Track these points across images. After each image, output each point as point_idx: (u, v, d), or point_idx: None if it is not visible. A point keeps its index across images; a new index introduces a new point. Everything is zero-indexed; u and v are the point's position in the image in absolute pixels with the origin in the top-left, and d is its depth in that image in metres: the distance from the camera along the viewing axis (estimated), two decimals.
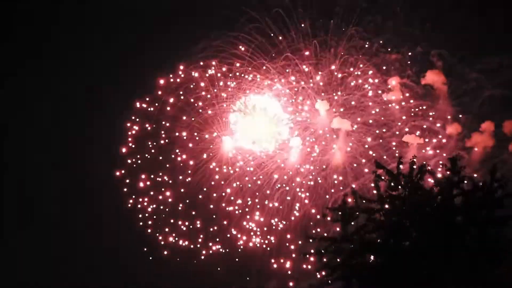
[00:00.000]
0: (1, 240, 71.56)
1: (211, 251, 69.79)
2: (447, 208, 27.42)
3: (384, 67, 68.54)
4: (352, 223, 28.36)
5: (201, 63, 69.83)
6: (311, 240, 28.89)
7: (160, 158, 71.18)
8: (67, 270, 70.74)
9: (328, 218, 29.41)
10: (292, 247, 65.73)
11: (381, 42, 68.89)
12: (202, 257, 69.81)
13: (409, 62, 68.34)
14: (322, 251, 28.11)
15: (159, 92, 70.62)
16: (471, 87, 65.90)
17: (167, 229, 70.35)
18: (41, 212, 74.47)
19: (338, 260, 27.88)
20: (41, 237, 72.04)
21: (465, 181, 27.82)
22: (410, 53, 68.38)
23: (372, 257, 27.82)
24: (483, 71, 65.44)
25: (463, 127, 65.51)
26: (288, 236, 66.62)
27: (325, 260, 28.22)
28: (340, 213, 28.37)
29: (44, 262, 70.62)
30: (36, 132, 75.65)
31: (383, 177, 28.75)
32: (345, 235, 28.01)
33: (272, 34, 68.90)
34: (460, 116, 66.33)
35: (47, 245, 72.09)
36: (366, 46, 68.86)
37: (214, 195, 69.25)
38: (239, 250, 68.72)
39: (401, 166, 29.04)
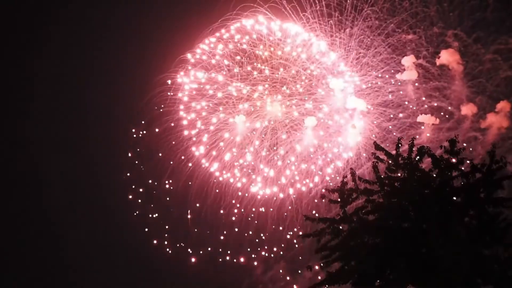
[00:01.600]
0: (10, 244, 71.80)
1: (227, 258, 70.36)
2: (446, 189, 27.50)
3: (400, 48, 68.06)
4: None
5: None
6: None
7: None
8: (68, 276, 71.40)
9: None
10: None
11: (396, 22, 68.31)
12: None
13: (424, 43, 67.82)
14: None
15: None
16: (487, 68, 65.40)
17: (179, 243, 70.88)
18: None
19: (337, 241, 28.07)
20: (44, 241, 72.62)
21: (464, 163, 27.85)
22: (425, 34, 67.86)
23: (370, 238, 27.94)
24: (498, 51, 64.92)
25: (479, 108, 65.08)
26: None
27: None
28: (339, 194, 28.60)
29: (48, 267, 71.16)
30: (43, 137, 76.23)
31: (382, 159, 28.93)
32: (344, 216, 28.20)
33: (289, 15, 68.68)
34: (476, 97, 65.79)
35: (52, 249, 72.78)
36: (382, 26, 68.40)
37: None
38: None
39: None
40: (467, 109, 65.01)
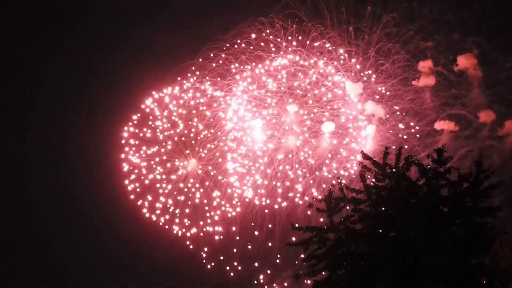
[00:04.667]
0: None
1: None
2: (433, 199, 27.41)
3: (418, 55, 67.67)
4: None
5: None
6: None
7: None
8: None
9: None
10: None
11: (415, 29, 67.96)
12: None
13: (443, 50, 67.34)
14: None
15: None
16: (506, 76, 64.68)
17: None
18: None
19: (324, 250, 28.09)
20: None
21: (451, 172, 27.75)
22: (444, 41, 67.38)
23: (357, 247, 27.94)
24: None
25: (497, 115, 64.22)
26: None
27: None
28: (326, 203, 28.63)
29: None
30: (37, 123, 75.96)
31: (370, 168, 28.94)
32: (331, 225, 28.23)
33: (305, 23, 68.67)
34: (494, 105, 64.94)
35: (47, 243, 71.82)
36: (400, 33, 68.06)
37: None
38: None
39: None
40: (486, 116, 64.22)
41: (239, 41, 68.94)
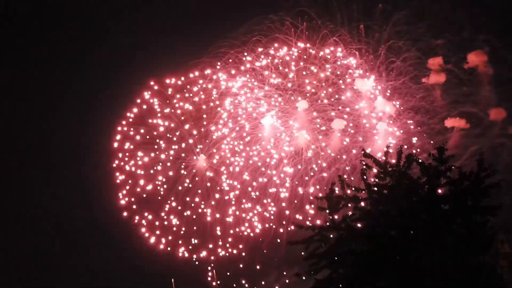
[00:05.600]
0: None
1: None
2: (434, 197, 27.40)
3: (428, 53, 67.57)
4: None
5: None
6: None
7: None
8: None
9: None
10: None
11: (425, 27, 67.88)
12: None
13: (453, 48, 67.21)
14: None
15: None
16: None
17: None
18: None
19: (325, 248, 28.15)
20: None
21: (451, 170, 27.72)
22: (455, 39, 67.24)
23: (358, 245, 27.97)
24: None
25: (507, 113, 64.07)
26: None
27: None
28: (327, 201, 28.66)
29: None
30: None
31: (371, 166, 28.98)
32: (332, 224, 28.26)
33: (315, 20, 68.70)
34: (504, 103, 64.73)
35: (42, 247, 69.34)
36: (411, 31, 68.06)
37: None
38: None
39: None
40: (496, 114, 64.09)
41: (244, 52, 68.50)
